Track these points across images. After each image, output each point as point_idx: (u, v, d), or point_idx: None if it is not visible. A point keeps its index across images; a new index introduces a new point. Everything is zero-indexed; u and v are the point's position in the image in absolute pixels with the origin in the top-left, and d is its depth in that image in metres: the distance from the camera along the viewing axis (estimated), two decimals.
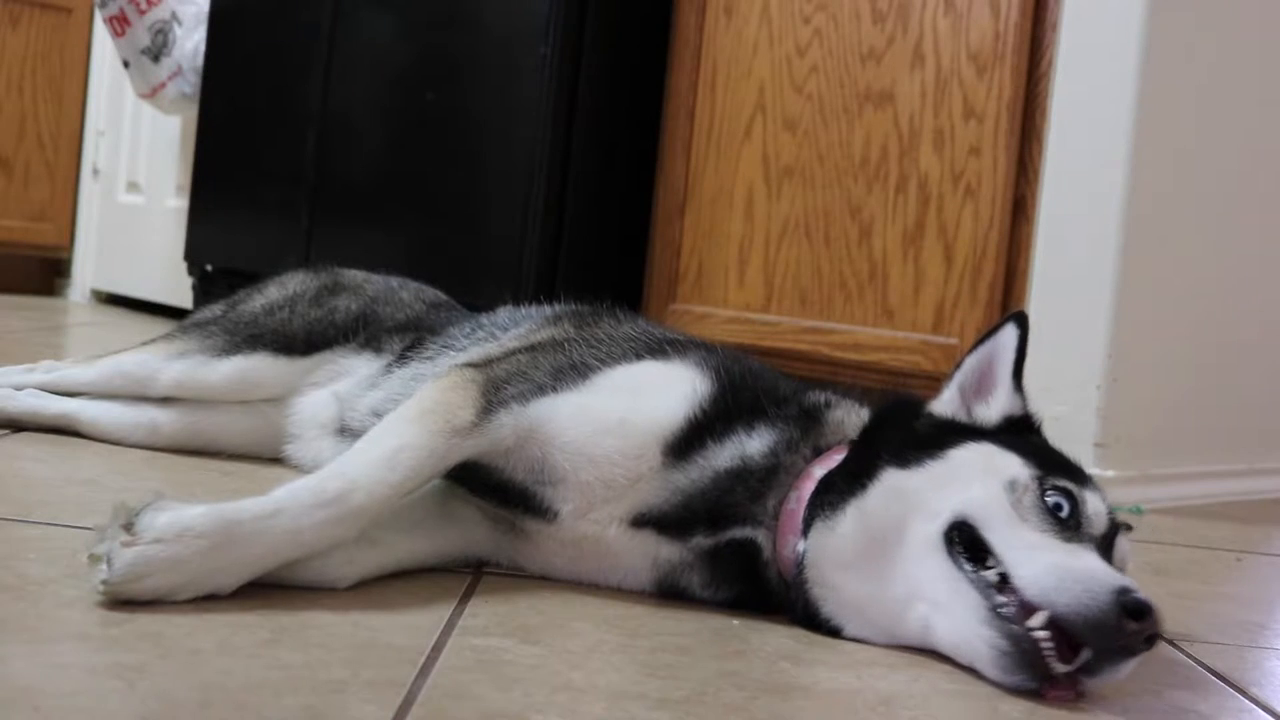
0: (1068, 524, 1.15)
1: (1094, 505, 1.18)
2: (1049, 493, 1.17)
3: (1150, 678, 1.21)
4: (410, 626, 1.09)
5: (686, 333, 1.56)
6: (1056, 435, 2.30)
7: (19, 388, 1.82)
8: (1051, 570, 1.08)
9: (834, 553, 1.20)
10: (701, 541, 1.26)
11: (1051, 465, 1.21)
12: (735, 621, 1.24)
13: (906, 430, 1.26)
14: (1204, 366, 2.57)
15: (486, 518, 1.33)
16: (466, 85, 2.94)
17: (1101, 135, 2.29)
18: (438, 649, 1.04)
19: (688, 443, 1.25)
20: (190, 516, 1.07)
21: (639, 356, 1.34)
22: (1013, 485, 1.17)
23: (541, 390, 1.28)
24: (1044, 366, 2.36)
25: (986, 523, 1.15)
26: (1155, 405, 2.41)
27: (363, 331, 1.76)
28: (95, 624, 1.00)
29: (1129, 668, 1.09)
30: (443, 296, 1.92)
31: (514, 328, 1.63)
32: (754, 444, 1.26)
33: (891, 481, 1.20)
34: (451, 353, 1.64)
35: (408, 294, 1.87)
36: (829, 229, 2.67)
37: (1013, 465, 1.19)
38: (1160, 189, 2.34)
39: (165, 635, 0.99)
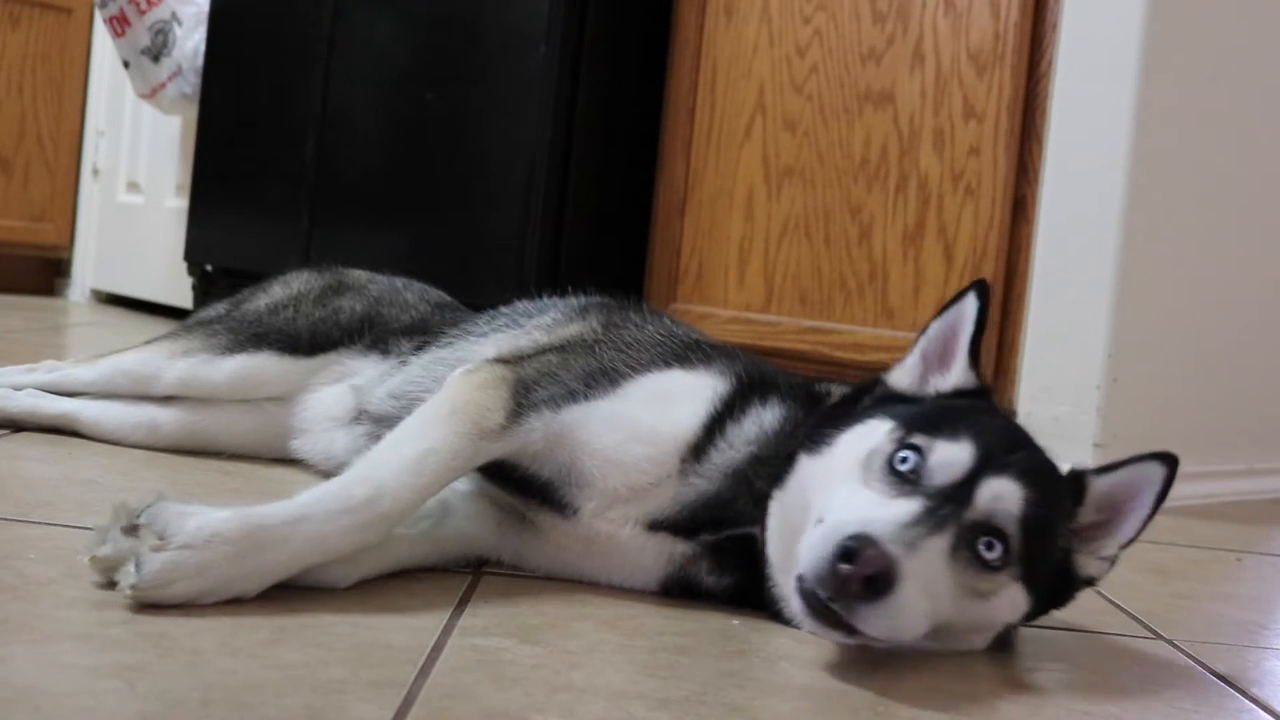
0: (906, 478, 1.12)
1: (942, 455, 1.13)
2: (901, 451, 1.14)
3: (1150, 678, 1.21)
4: (410, 626, 1.09)
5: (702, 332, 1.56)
6: (1056, 435, 2.30)
7: (19, 388, 1.82)
8: (819, 532, 1.07)
9: (769, 545, 1.22)
10: (707, 538, 1.27)
11: (923, 422, 1.17)
12: (735, 621, 1.24)
13: (847, 407, 1.27)
14: (1204, 366, 2.57)
15: (494, 508, 1.33)
16: (466, 85, 2.94)
17: (1101, 135, 2.29)
18: (438, 649, 1.04)
19: (704, 448, 1.27)
20: (218, 521, 1.07)
21: (667, 364, 1.35)
22: (869, 458, 1.15)
23: (573, 396, 1.28)
24: (1044, 366, 2.36)
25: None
26: (1155, 405, 2.41)
27: (368, 334, 1.76)
28: (95, 624, 1.00)
29: (884, 613, 1.03)
30: (447, 298, 1.92)
31: (538, 316, 1.63)
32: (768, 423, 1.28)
33: (801, 471, 1.20)
34: (470, 339, 1.65)
35: (412, 295, 1.87)
36: (829, 229, 2.67)
37: (876, 435, 1.17)
38: (1160, 188, 2.34)
39: (165, 635, 0.99)
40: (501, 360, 1.35)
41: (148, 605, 1.04)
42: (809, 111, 2.71)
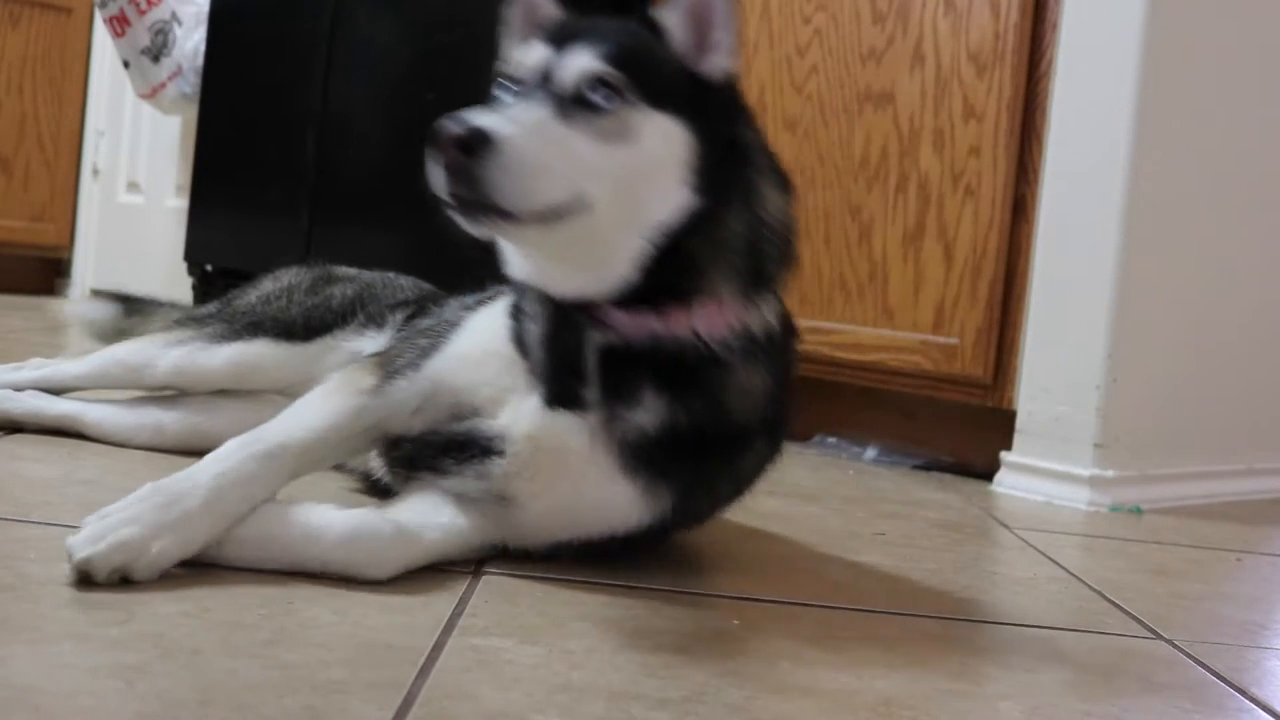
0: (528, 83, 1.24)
1: (524, 57, 1.26)
2: (500, 87, 1.27)
3: (1150, 678, 1.21)
4: (410, 626, 1.09)
5: None
6: (1056, 435, 2.31)
7: (19, 387, 1.82)
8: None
9: None
10: (593, 394, 1.28)
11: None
12: (735, 621, 1.24)
13: None
14: (1204, 366, 2.57)
15: (487, 503, 1.34)
16: (466, 85, 2.94)
17: (1101, 135, 2.29)
18: (438, 649, 1.04)
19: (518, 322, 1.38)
20: (131, 494, 1.15)
21: (495, 300, 1.45)
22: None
23: (426, 352, 1.38)
24: (1044, 366, 2.36)
25: None
26: (1155, 405, 2.41)
27: (361, 311, 1.78)
28: (95, 624, 1.00)
29: (501, 169, 1.13)
30: (440, 291, 1.92)
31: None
32: None
33: None
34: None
35: (406, 281, 1.89)
36: (829, 229, 2.67)
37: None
38: (1160, 189, 2.34)
39: (165, 635, 0.99)
40: (369, 356, 1.48)
41: (99, 576, 1.08)
42: (809, 111, 2.71)
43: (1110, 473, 2.28)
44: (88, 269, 4.76)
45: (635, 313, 1.26)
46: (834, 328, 2.63)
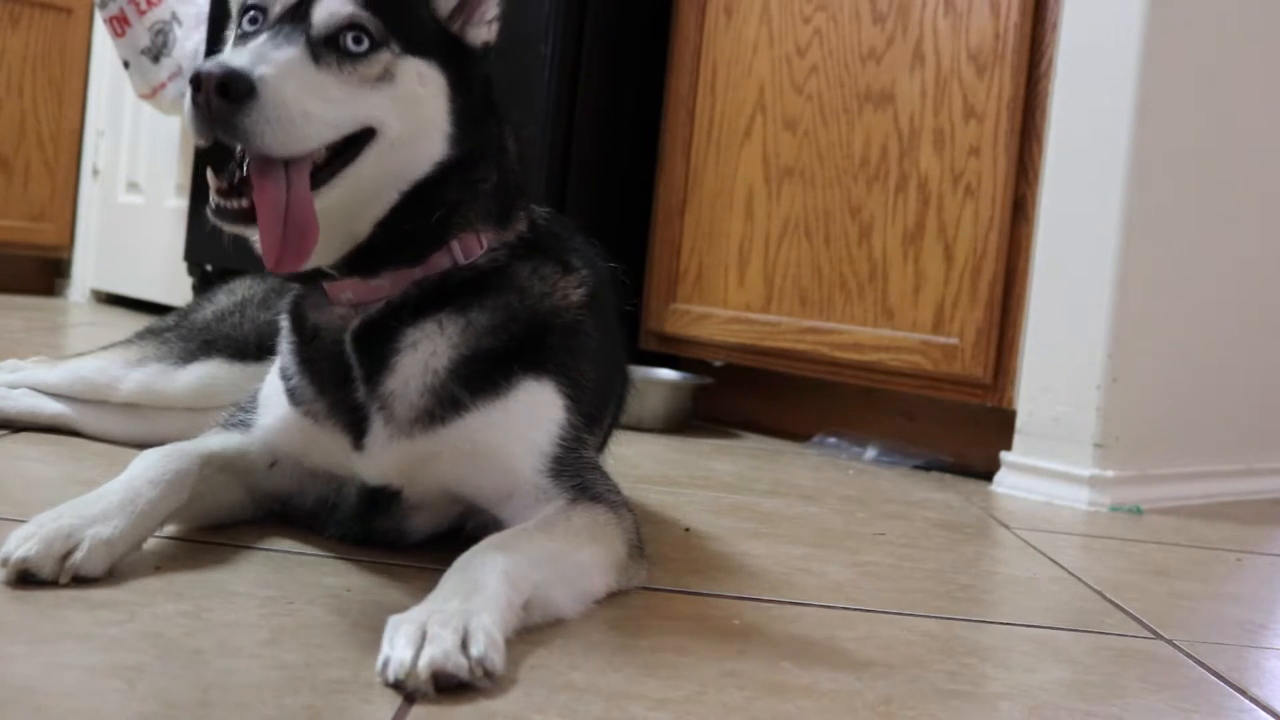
0: (258, 24, 1.23)
1: None
2: (245, 16, 1.25)
3: (1150, 678, 1.21)
4: None
5: None
6: (1056, 435, 2.31)
7: (14, 386, 1.82)
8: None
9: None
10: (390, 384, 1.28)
11: None
12: (735, 621, 1.24)
13: None
14: (1204, 366, 2.57)
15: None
16: None
17: (1101, 135, 2.29)
18: None
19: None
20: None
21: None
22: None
23: (252, 409, 1.44)
24: (1044, 366, 2.36)
25: None
26: (1155, 405, 2.41)
27: None
28: (95, 624, 1.00)
29: (263, 117, 1.13)
30: None
31: None
32: None
33: None
34: None
35: None
36: (829, 229, 2.67)
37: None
38: (1160, 189, 2.34)
39: (165, 635, 0.99)
40: None
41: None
42: (809, 111, 2.71)
43: (1110, 473, 2.28)
44: (88, 269, 4.76)
45: (392, 272, 1.27)
46: (834, 328, 2.63)
